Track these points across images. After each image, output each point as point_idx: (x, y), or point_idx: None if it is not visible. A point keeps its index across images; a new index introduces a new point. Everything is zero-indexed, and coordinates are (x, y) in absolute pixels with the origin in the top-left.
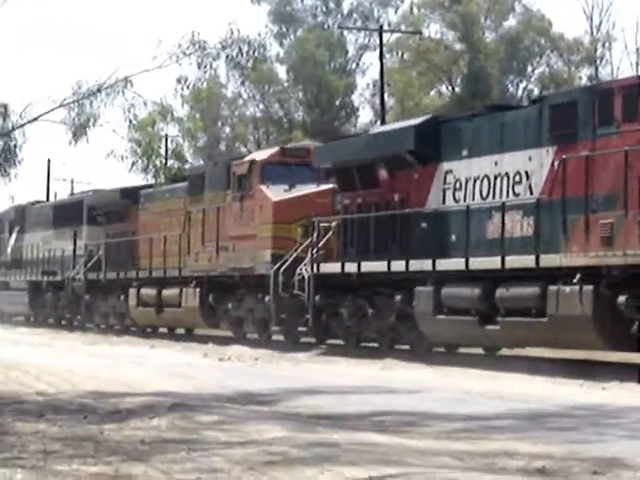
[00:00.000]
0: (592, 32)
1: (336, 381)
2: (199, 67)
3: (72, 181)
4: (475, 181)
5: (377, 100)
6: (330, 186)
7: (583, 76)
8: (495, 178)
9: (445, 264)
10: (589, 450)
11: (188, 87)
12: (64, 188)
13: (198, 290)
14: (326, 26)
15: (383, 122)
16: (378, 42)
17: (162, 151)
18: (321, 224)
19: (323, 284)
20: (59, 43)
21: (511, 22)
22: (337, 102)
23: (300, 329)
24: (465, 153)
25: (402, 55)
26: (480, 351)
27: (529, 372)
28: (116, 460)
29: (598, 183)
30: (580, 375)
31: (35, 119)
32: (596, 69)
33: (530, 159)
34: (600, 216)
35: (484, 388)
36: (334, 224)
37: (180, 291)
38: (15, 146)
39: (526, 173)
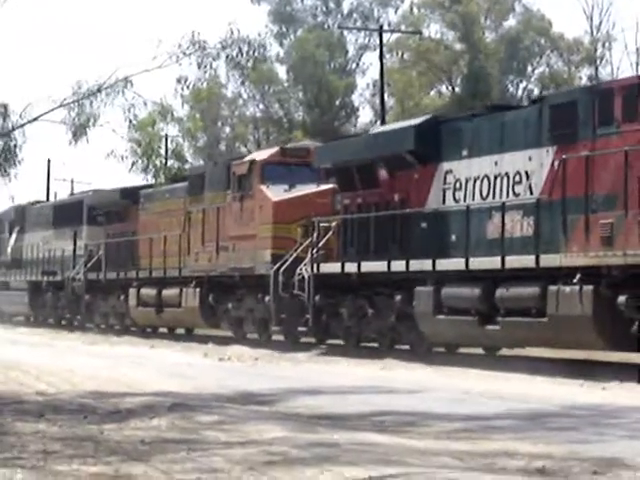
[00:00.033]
0: (592, 32)
1: (336, 381)
2: (199, 67)
3: (72, 181)
4: (475, 181)
5: (377, 100)
6: (330, 186)
7: (583, 76)
8: (495, 178)
9: (445, 264)
10: (589, 450)
11: (188, 87)
12: (64, 188)
13: (198, 290)
14: (326, 26)
15: (383, 122)
16: (378, 42)
17: (162, 151)
18: (321, 224)
19: (323, 284)
20: (59, 43)
21: (511, 22)
22: (337, 102)
23: (300, 329)
24: (465, 153)
25: (402, 55)
26: (480, 351)
27: (529, 372)
28: (116, 460)
29: (598, 183)
30: (580, 375)
31: (35, 119)
32: (596, 69)
33: (530, 159)
34: (600, 216)
35: (484, 388)
36: (334, 224)
37: (180, 291)
38: (15, 146)
39: (526, 173)
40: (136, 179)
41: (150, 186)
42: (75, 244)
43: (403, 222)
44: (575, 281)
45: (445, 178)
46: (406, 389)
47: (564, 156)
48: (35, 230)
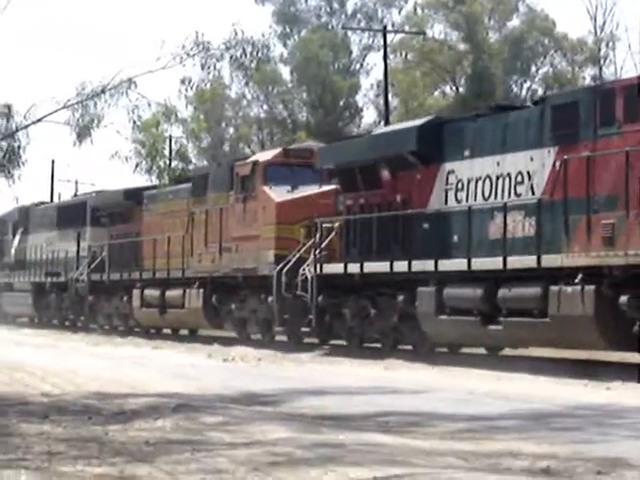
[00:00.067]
0: (596, 32)
1: (340, 382)
2: (203, 68)
3: (76, 182)
4: (477, 181)
5: (381, 100)
6: (333, 187)
7: (587, 76)
8: (497, 178)
9: (447, 264)
10: (593, 450)
11: (192, 88)
12: (68, 189)
13: (201, 291)
14: (330, 27)
15: (387, 122)
16: (382, 42)
17: (166, 152)
18: (324, 225)
19: (326, 284)
20: (63, 44)
21: (515, 22)
22: (341, 103)
23: (303, 329)
24: (467, 153)
25: (406, 55)
26: (483, 351)
27: (532, 372)
28: (121, 461)
29: (599, 183)
30: (583, 375)
31: (39, 120)
32: (600, 69)
33: (532, 159)
34: (601, 216)
35: (488, 388)
36: (337, 225)
37: (183, 292)
38: (19, 147)
39: (528, 173)
40: (140, 180)
41: (154, 187)
42: (79, 245)
43: (405, 223)
44: (577, 281)
45: (447, 178)
46: (410, 389)
47: (565, 156)
48: (39, 231)
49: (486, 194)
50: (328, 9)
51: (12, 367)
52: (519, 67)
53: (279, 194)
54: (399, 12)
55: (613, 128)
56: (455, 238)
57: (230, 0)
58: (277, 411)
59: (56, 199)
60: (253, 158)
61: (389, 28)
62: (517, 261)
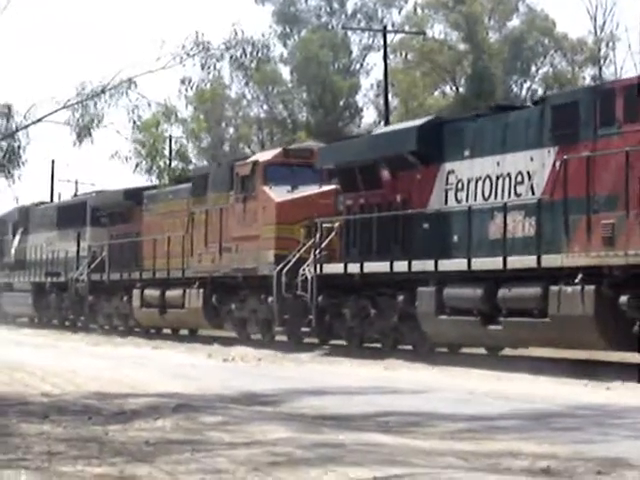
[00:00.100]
0: (596, 32)
1: (340, 382)
2: (203, 68)
3: (76, 182)
4: (477, 181)
5: (381, 100)
6: (333, 187)
7: (587, 76)
8: (497, 178)
9: (447, 264)
10: (593, 450)
11: (192, 88)
12: (68, 189)
13: (201, 291)
14: (330, 27)
15: (387, 122)
16: (382, 42)
17: (166, 152)
18: (324, 225)
19: (326, 285)
20: (63, 44)
21: (515, 22)
22: (341, 103)
23: (303, 330)
24: (467, 153)
25: (406, 55)
26: (483, 351)
27: (532, 372)
28: (121, 461)
29: (599, 183)
30: (583, 375)
31: (39, 120)
32: (600, 69)
33: (532, 159)
34: (601, 216)
35: (488, 388)
36: (337, 225)
37: (183, 292)
38: (19, 147)
39: (528, 173)
40: (140, 180)
41: (154, 187)
42: (79, 245)
43: (405, 223)
44: (577, 281)
45: (447, 178)
46: (410, 389)
47: (565, 156)
48: (39, 231)
49: (486, 194)
50: (328, 9)
51: (12, 367)
52: (519, 67)
53: (279, 194)
54: (399, 12)
55: (613, 128)
56: (455, 238)
57: (230, 0)
58: (277, 411)
59: (56, 199)
60: (253, 158)
61: (389, 28)
62: (517, 261)
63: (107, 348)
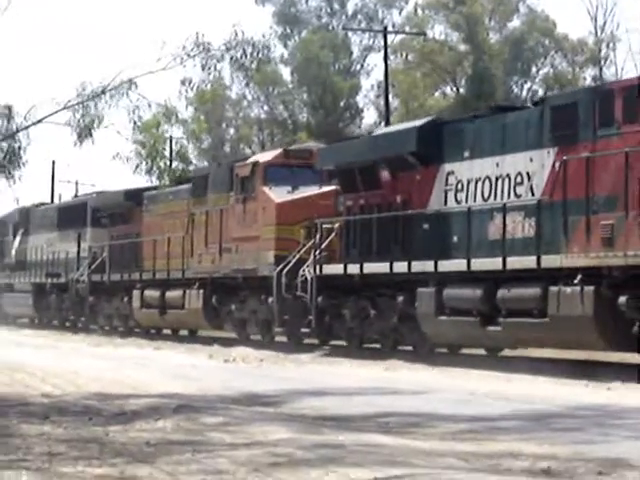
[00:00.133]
0: (596, 33)
1: (340, 382)
2: (203, 69)
3: (76, 183)
4: (477, 182)
5: (382, 101)
6: (333, 188)
7: (587, 77)
8: (497, 179)
9: (447, 265)
10: (594, 451)
11: (192, 89)
12: (68, 190)
13: (201, 292)
14: (330, 27)
15: (387, 123)
16: (382, 43)
17: (166, 153)
18: (324, 225)
19: (326, 285)
20: (63, 45)
21: (515, 23)
22: (342, 103)
23: (303, 330)
24: (467, 154)
25: (406, 56)
26: (482, 352)
27: (531, 373)
28: (121, 462)
29: (599, 184)
30: (583, 375)
31: (39, 121)
32: (600, 70)
33: (531, 160)
34: (601, 217)
35: (489, 389)
36: (337, 225)
37: (183, 293)
38: (19, 148)
39: (527, 174)
40: (140, 181)
41: (154, 188)
42: (79, 246)
43: (405, 223)
44: (576, 282)
45: (447, 179)
46: (410, 390)
47: (565, 157)
48: (39, 232)
49: (486, 195)
50: (328, 10)
51: (13, 368)
52: (519, 68)
53: (279, 195)
54: (399, 13)
55: (612, 129)
56: (455, 239)
57: (230, 1)
58: (278, 412)
59: (56, 200)
60: (253, 159)
61: (389, 29)
62: (517, 262)
63: (108, 349)
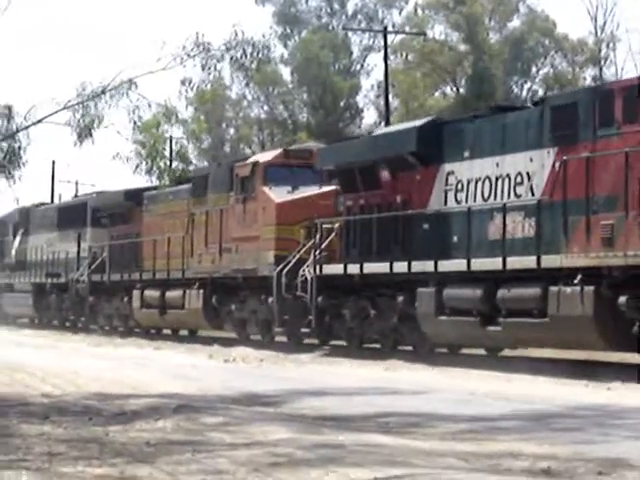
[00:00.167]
0: (596, 33)
1: (340, 382)
2: (203, 69)
3: (76, 183)
4: (477, 182)
5: (382, 101)
6: (333, 188)
7: (587, 77)
8: (496, 179)
9: (447, 265)
10: (594, 451)
11: (192, 89)
12: (68, 190)
13: (201, 292)
14: (330, 27)
15: (387, 123)
16: (382, 43)
17: (166, 153)
18: (324, 225)
19: (326, 285)
20: (63, 45)
21: (515, 23)
22: (342, 103)
23: (303, 330)
24: (467, 154)
25: (406, 56)
26: (482, 352)
27: (531, 373)
28: (121, 462)
29: (599, 184)
30: (583, 375)
31: (39, 121)
32: (600, 70)
33: (531, 160)
34: (601, 217)
35: (489, 389)
36: (337, 225)
37: (183, 293)
38: (19, 148)
39: (527, 174)
40: (140, 181)
41: (154, 188)
42: (79, 246)
43: (405, 223)
44: (576, 282)
45: (447, 179)
46: (410, 390)
47: (565, 157)
48: (39, 232)
49: (486, 195)
50: (328, 10)
51: (13, 368)
52: (519, 68)
53: (279, 195)
54: (399, 13)
55: (612, 129)
56: (455, 239)
57: (230, 1)
58: (278, 412)
59: (56, 200)
60: (253, 159)
61: (389, 29)
62: (517, 262)
63: (107, 349)
